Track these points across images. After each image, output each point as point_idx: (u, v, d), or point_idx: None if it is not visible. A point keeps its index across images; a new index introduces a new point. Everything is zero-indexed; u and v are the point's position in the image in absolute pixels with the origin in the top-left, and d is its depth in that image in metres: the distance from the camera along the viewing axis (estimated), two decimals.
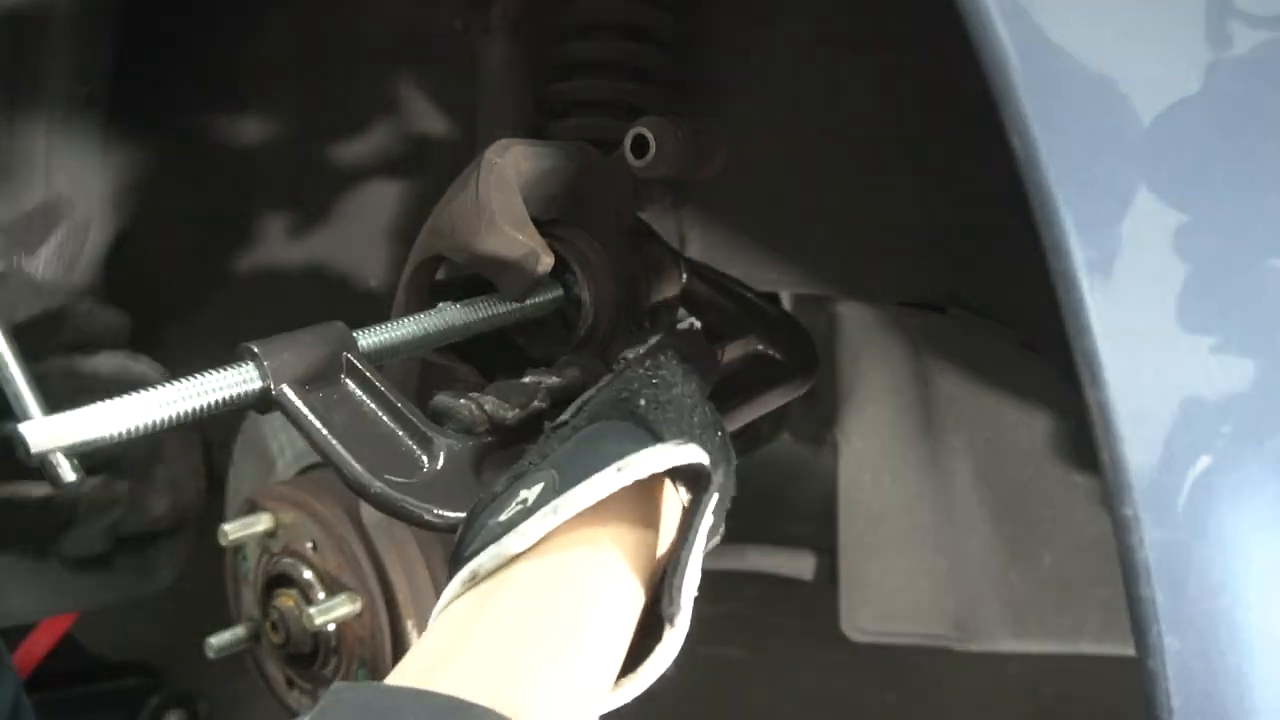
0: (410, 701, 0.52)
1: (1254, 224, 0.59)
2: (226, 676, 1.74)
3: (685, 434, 0.69)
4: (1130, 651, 0.60)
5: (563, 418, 0.73)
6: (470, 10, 1.22)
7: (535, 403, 0.83)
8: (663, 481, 0.69)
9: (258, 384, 0.71)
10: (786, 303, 1.49)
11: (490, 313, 0.89)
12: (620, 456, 0.63)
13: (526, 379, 0.85)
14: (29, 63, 1.36)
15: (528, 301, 0.91)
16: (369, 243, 1.63)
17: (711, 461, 0.67)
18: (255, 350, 0.72)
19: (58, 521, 1.55)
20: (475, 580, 0.62)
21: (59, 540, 1.57)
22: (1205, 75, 0.59)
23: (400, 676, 0.57)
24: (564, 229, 0.96)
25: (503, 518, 0.63)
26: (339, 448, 0.73)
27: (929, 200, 1.17)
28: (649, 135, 0.94)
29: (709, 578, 0.65)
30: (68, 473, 0.68)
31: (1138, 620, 0.59)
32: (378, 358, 0.81)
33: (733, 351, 1.03)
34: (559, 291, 0.94)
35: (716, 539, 0.73)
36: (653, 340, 0.80)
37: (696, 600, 0.63)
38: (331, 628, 1.22)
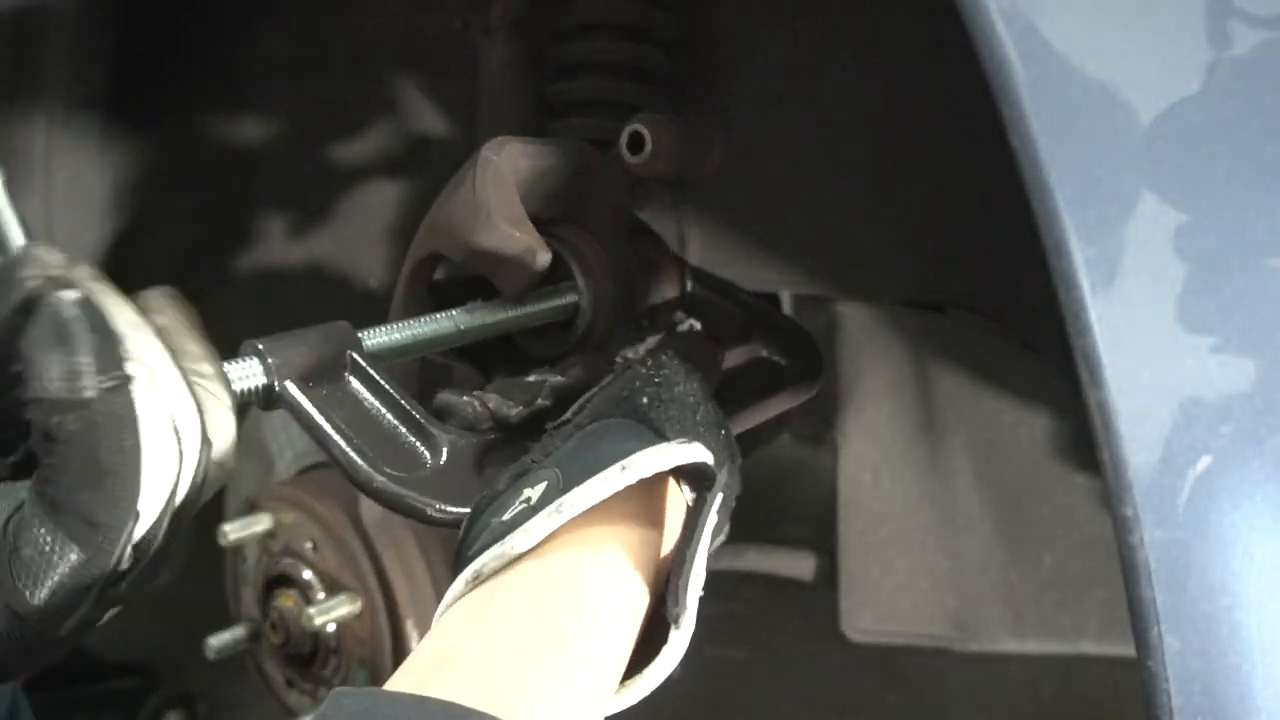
0: (410, 708, 0.52)
1: (1254, 224, 0.59)
2: (226, 677, 1.74)
3: (689, 432, 0.69)
4: (1130, 651, 0.60)
5: (565, 416, 0.73)
6: (470, 10, 1.22)
7: (539, 400, 0.83)
8: (667, 480, 0.69)
9: (262, 380, 0.71)
10: (786, 303, 1.49)
11: (501, 317, 0.90)
12: (624, 455, 0.63)
13: (531, 377, 0.85)
14: (29, 62, 1.36)
15: (539, 306, 0.91)
16: (369, 243, 1.63)
17: (716, 461, 0.67)
18: (260, 347, 0.72)
19: None
20: (479, 580, 0.62)
21: None
22: (1205, 76, 0.59)
23: (402, 679, 0.56)
24: (561, 227, 0.96)
25: (506, 516, 0.63)
26: (341, 443, 0.73)
27: (929, 200, 1.17)
28: (645, 132, 0.94)
29: (709, 578, 0.65)
30: None
31: (1138, 620, 0.59)
32: (382, 358, 0.81)
33: (736, 357, 1.03)
34: (573, 298, 0.94)
35: (721, 538, 0.72)
36: (653, 341, 0.80)
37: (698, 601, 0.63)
38: (331, 628, 1.22)
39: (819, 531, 1.66)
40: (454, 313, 0.87)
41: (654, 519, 0.67)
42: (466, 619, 0.60)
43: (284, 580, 1.25)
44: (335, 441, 0.73)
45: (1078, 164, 0.58)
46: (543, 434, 0.73)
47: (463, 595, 0.62)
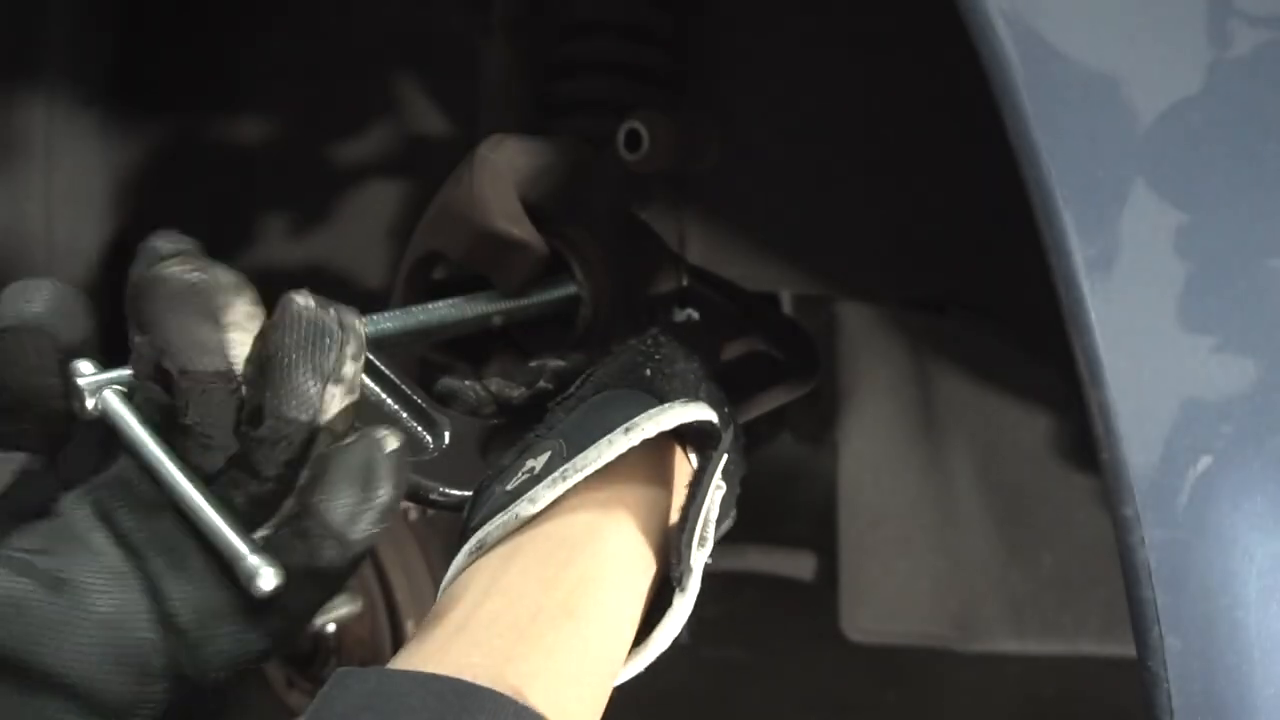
0: (416, 686, 0.50)
1: (1254, 224, 0.59)
2: None
3: (692, 398, 0.69)
4: (1130, 652, 0.60)
5: (568, 392, 0.73)
6: (470, 10, 1.22)
7: (541, 383, 0.83)
8: (673, 446, 0.68)
9: None
10: (786, 303, 1.49)
11: (502, 306, 0.89)
12: (627, 419, 0.62)
13: (533, 363, 0.85)
14: (28, 59, 1.36)
15: (541, 297, 0.91)
16: (369, 243, 1.63)
17: (720, 422, 0.67)
18: None
19: None
20: (483, 549, 0.60)
21: None
22: (1205, 75, 0.59)
23: (408, 654, 0.55)
24: (559, 224, 0.96)
25: (510, 486, 0.62)
26: None
27: (929, 200, 1.17)
28: (642, 129, 0.94)
29: (708, 579, 0.65)
30: None
31: (1138, 621, 0.59)
32: (383, 344, 0.81)
33: (733, 350, 1.03)
34: (571, 289, 0.93)
35: (728, 524, 0.71)
36: (653, 330, 0.80)
37: (697, 601, 0.62)
38: (331, 628, 1.22)
39: (819, 531, 1.66)
40: (456, 299, 0.87)
41: (661, 483, 0.66)
42: (471, 590, 0.58)
43: None
44: None
45: (1077, 163, 0.58)
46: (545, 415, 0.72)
47: (466, 567, 0.61)
